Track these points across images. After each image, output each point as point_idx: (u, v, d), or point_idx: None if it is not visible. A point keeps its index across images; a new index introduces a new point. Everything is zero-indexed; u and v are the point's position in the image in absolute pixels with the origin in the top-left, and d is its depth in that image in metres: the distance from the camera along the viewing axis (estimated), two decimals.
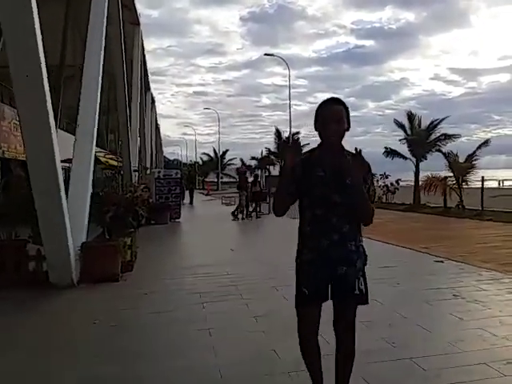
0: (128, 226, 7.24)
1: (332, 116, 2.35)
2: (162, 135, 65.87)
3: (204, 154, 61.40)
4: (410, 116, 18.64)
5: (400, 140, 18.57)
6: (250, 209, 16.59)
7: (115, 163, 17.06)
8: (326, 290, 2.37)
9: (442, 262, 7.04)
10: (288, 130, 33.31)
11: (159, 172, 15.44)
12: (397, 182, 19.82)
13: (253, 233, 12.98)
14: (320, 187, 2.34)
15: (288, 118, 34.71)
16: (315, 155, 2.43)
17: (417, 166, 18.15)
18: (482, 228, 10.99)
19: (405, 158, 18.64)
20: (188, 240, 11.35)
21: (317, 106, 2.46)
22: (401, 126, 18.77)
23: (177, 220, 15.57)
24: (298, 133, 34.52)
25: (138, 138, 18.74)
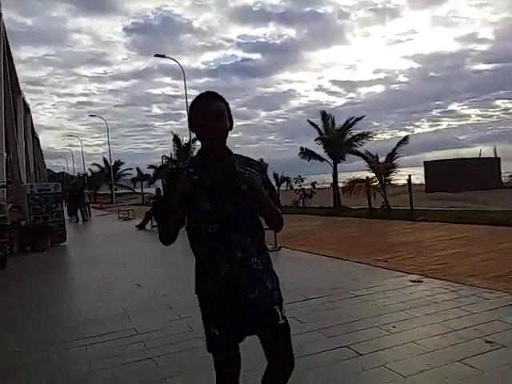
0: None
1: (210, 112, 1.92)
2: (44, 147, 59.50)
3: (94, 164, 56.04)
4: (324, 115, 17.60)
5: (315, 140, 17.40)
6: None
7: None
8: (243, 324, 1.95)
9: (419, 282, 5.44)
10: (185, 138, 31.05)
11: (32, 187, 12.16)
12: (313, 184, 18.58)
13: (163, 252, 10.54)
14: (210, 199, 1.93)
15: (181, 127, 32.54)
16: (197, 163, 2.00)
17: (334, 168, 17.10)
18: (424, 231, 9.87)
19: (321, 159, 17.49)
20: (74, 275, 8.57)
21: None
22: (314, 125, 17.61)
23: (61, 244, 12.47)
24: (196, 140, 32.18)
25: (4, 150, 15.05)
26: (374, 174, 13.99)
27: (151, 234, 14.54)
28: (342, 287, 5.39)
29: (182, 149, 31.61)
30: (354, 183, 13.91)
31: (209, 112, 1.93)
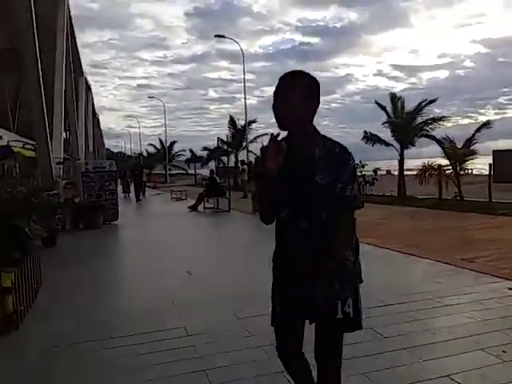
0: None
1: (281, 92, 1.85)
2: (104, 127, 61.27)
3: (150, 144, 57.06)
4: (394, 98, 16.19)
5: (383, 124, 16.09)
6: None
7: (33, 154, 13.44)
8: (302, 308, 1.91)
9: None
10: (241, 121, 30.43)
11: (87, 164, 11.99)
12: (374, 171, 17.32)
13: (218, 238, 10.03)
14: (286, 184, 1.86)
15: (236, 111, 31.96)
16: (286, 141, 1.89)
17: (401, 154, 15.76)
18: (508, 227, 8.68)
19: (387, 144, 16.20)
20: (124, 256, 8.22)
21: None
22: (382, 107, 16.23)
23: (113, 222, 12.29)
24: (254, 121, 31.52)
25: (63, 129, 15.14)
26: (447, 162, 12.66)
27: (203, 216, 14.15)
28: (426, 292, 4.53)
29: (237, 131, 31.05)
30: (426, 170, 12.64)
31: (277, 91, 1.86)
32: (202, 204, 15.37)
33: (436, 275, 5.26)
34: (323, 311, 1.87)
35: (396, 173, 17.21)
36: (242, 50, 26.69)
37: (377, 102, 16.43)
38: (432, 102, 15.40)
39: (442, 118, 15.07)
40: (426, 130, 15.11)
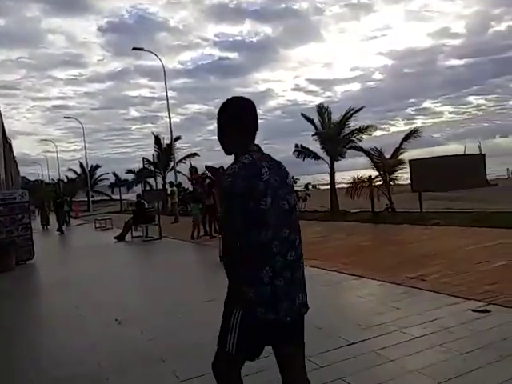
0: None
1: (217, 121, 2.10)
2: (19, 153, 57.11)
3: (70, 169, 53.66)
4: (321, 109, 16.21)
5: (313, 135, 15.94)
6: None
7: None
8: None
9: (486, 311, 4.22)
10: (166, 137, 29.46)
11: None
12: (306, 186, 17.21)
13: (150, 271, 9.11)
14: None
15: (159, 130, 30.95)
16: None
17: (332, 166, 15.74)
18: (444, 237, 8.77)
19: (317, 157, 16.11)
20: (40, 304, 7.11)
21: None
22: (310, 120, 16.16)
23: (28, 261, 10.90)
24: (179, 138, 30.53)
25: None
26: (376, 173, 12.77)
27: (132, 247, 13.09)
28: (388, 322, 4.13)
29: (163, 151, 29.95)
30: (357, 183, 12.64)
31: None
32: (130, 232, 14.30)
33: (391, 299, 4.92)
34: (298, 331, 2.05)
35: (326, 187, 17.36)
36: (162, 65, 25.95)
37: (303, 115, 16.42)
38: (358, 110, 15.58)
39: (367, 128, 15.28)
40: (353, 141, 15.27)
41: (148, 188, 28.84)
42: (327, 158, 15.73)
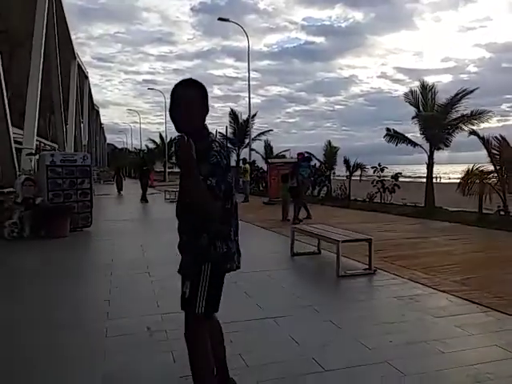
0: None
1: (178, 100, 2.17)
2: (109, 122, 59.35)
3: (150, 139, 54.71)
4: (424, 88, 13.78)
5: (413, 118, 13.75)
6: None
7: None
8: None
9: None
10: (245, 116, 28.24)
11: (53, 155, 9.76)
12: (395, 176, 15.01)
13: None
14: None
15: (240, 109, 29.71)
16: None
17: (430, 156, 13.39)
18: None
19: (414, 143, 13.87)
20: (81, 283, 6.04)
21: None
22: (412, 101, 13.81)
23: (85, 229, 10.14)
24: (255, 115, 29.24)
25: (37, 109, 12.95)
26: (492, 168, 10.37)
27: None
28: None
29: (239, 127, 28.84)
30: (468, 177, 10.34)
31: (177, 100, 2.17)
32: None
33: None
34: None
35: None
36: (247, 41, 24.46)
37: (405, 95, 14.05)
38: (471, 92, 12.95)
39: (483, 113, 12.63)
40: (460, 128, 12.83)
41: None
42: (426, 146, 13.43)
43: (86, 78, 36.55)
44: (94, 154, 50.42)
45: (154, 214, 15.32)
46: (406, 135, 14.20)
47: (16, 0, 16.14)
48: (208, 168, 2.01)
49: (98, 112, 57.90)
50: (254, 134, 28.52)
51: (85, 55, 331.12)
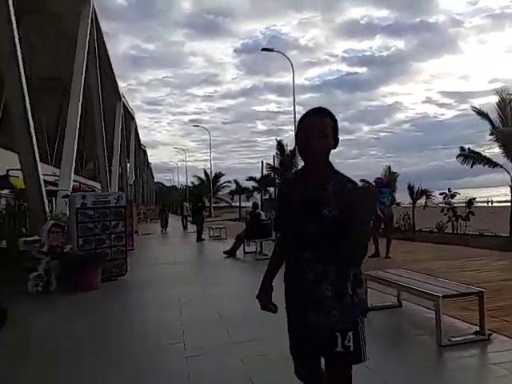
0: None
1: (313, 128, 1.93)
2: (159, 161, 60.57)
3: (195, 176, 54.77)
4: (503, 101, 12.00)
5: (490, 134, 11.95)
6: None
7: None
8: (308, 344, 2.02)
9: None
10: (289, 147, 27.25)
11: (84, 197, 8.80)
12: (469, 203, 13.09)
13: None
14: (292, 216, 2.01)
15: (283, 143, 28.89)
16: (296, 178, 2.11)
17: None
18: None
19: (494, 163, 12.05)
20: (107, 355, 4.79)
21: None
22: (485, 115, 12.17)
23: (119, 277, 9.05)
24: None
25: (75, 146, 12.32)
26: None
27: (243, 266, 10.63)
28: None
29: (285, 157, 27.77)
30: None
31: (312, 128, 1.94)
32: (242, 247, 11.94)
33: None
34: (322, 342, 1.94)
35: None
36: (290, 61, 23.59)
37: (475, 109, 12.37)
38: None
39: None
40: None
41: (267, 197, 26.73)
42: (508, 166, 11.53)
43: (133, 118, 37.00)
44: (140, 192, 50.85)
45: (199, 255, 14.16)
46: (484, 154, 12.33)
47: (65, 47, 16.22)
48: (361, 210, 1.83)
49: (145, 151, 58.91)
50: (300, 165, 27.38)
51: (135, 100, 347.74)
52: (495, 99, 12.00)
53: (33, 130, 9.00)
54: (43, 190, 9.40)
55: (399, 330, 4.85)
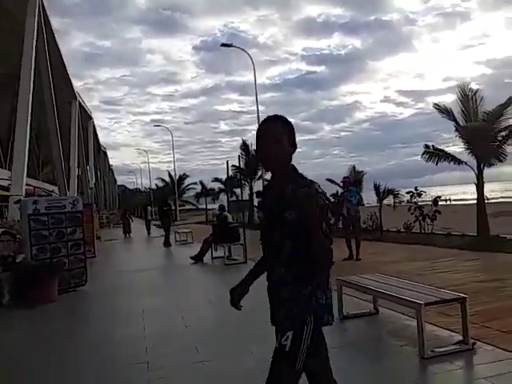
0: None
1: (267, 136, 1.99)
2: (120, 163, 59.22)
3: (159, 178, 53.62)
4: (464, 95, 12.04)
5: (456, 130, 11.94)
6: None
7: None
8: None
9: None
10: (253, 147, 26.91)
11: (36, 202, 8.15)
12: (434, 201, 13.16)
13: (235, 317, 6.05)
14: (262, 225, 2.11)
15: (247, 142, 28.62)
16: (267, 187, 2.15)
17: (480, 174, 11.60)
18: None
19: (459, 161, 12.06)
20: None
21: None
22: (447, 112, 12.19)
23: (78, 288, 8.47)
24: None
25: (26, 149, 11.54)
26: None
27: (211, 272, 10.23)
28: None
29: (250, 157, 27.46)
30: None
31: (267, 136, 1.98)
32: (210, 252, 11.53)
33: None
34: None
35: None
36: (252, 61, 23.20)
37: (436, 106, 12.34)
38: None
39: None
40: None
41: (234, 198, 26.39)
42: (473, 163, 11.62)
43: (90, 118, 35.74)
44: (102, 196, 49.35)
45: (164, 261, 13.62)
46: (447, 151, 12.37)
47: (15, 41, 15.30)
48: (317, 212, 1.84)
49: (105, 153, 57.29)
50: None
51: (93, 100, 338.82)
52: (451, 97, 12.19)
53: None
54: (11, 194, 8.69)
55: (378, 339, 4.59)
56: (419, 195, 13.32)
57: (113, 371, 4.09)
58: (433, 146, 12.62)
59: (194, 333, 5.12)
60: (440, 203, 14.18)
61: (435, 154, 12.25)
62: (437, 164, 12.22)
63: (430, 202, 13.75)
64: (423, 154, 12.35)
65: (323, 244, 1.84)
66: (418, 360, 3.79)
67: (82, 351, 4.84)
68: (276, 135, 1.96)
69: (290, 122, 2.05)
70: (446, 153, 12.28)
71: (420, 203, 13.72)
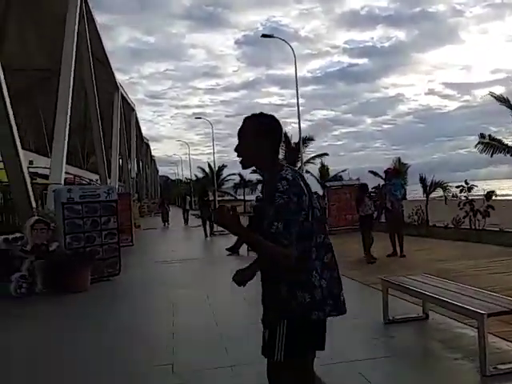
0: None
1: (238, 136, 2.13)
2: (163, 155, 60.10)
3: (199, 168, 53.88)
4: None
5: None
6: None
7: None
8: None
9: None
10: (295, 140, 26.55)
11: (70, 191, 8.06)
12: (488, 195, 12.17)
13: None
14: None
15: (290, 134, 28.11)
16: None
17: None
18: None
19: None
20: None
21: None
22: (504, 100, 11.25)
23: (112, 277, 8.35)
24: (311, 139, 27.68)
25: (66, 135, 11.56)
26: None
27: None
28: None
29: (290, 150, 26.97)
30: None
31: (238, 136, 2.12)
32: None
33: None
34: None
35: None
36: (290, 46, 22.35)
37: (492, 94, 11.45)
38: None
39: None
40: None
41: None
42: None
43: (133, 110, 36.19)
44: (144, 185, 50.24)
45: (199, 253, 13.44)
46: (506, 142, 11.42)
47: (58, 35, 15.47)
48: (273, 211, 1.87)
49: (148, 145, 58.19)
50: (305, 157, 26.64)
51: (138, 93, 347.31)
52: (499, 89, 11.26)
53: (12, 119, 8.26)
54: (28, 182, 8.68)
55: (428, 350, 4.07)
56: (470, 189, 12.38)
57: (132, 374, 3.81)
58: (489, 135, 11.65)
59: (224, 332, 4.78)
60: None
61: (491, 145, 11.31)
62: (491, 156, 11.30)
63: (480, 197, 12.82)
64: (477, 144, 11.44)
65: (271, 251, 1.87)
66: (478, 378, 3.27)
67: (103, 348, 4.59)
68: (241, 133, 2.08)
69: (260, 118, 2.08)
70: (503, 144, 11.31)
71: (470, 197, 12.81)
